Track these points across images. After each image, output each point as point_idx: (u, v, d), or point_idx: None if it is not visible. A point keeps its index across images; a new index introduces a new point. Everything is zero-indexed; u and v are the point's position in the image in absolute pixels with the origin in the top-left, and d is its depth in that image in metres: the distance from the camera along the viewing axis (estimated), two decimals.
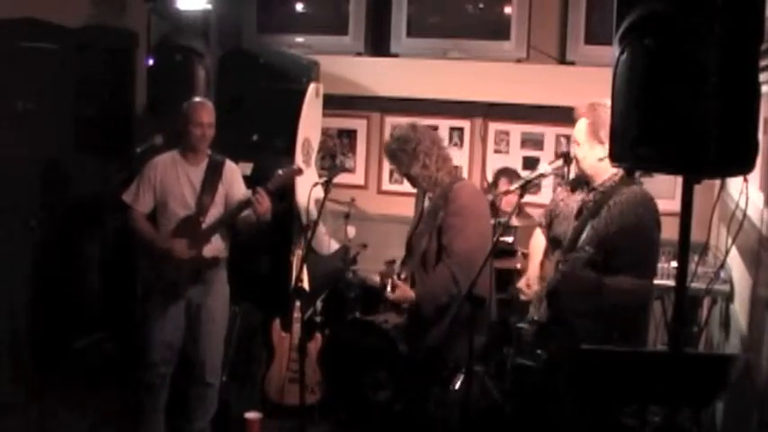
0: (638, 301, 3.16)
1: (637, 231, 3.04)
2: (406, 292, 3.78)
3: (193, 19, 4.94)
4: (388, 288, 3.82)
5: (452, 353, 3.69)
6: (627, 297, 3.08)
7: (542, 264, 3.46)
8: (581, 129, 3.18)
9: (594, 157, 3.15)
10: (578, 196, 3.31)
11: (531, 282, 3.41)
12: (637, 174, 3.11)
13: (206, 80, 4.84)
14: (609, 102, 2.87)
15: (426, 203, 3.89)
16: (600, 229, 3.07)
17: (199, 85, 4.78)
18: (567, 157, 3.37)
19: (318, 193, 3.97)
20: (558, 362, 3.24)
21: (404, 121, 5.17)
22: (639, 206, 3.07)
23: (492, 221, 4.02)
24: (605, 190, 3.15)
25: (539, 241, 3.58)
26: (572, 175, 3.85)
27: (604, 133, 3.03)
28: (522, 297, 3.44)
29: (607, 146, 3.02)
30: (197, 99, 4.05)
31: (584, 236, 3.11)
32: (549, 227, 3.47)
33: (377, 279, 4.93)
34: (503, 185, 4.79)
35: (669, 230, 2.72)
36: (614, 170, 3.11)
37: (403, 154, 3.77)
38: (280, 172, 3.87)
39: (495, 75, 5.27)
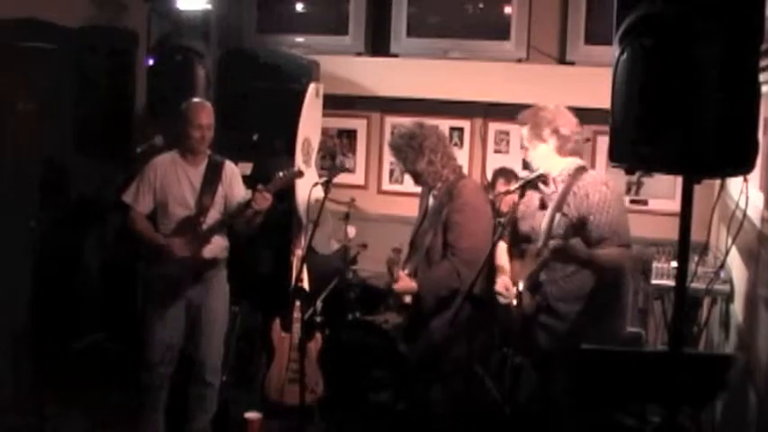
0: (623, 268, 3.36)
1: (607, 204, 3.23)
2: (409, 283, 3.80)
3: (193, 19, 4.94)
4: (394, 278, 3.84)
5: (452, 352, 3.69)
6: (614, 265, 3.29)
7: (512, 268, 3.56)
8: (525, 134, 3.44)
9: (540, 156, 3.38)
10: (535, 195, 3.48)
11: (507, 284, 3.47)
12: (637, 173, 3.17)
13: (206, 80, 4.83)
14: (550, 106, 3.36)
15: (431, 201, 3.91)
16: (572, 214, 3.26)
17: (199, 85, 4.78)
18: None
19: (318, 193, 3.97)
20: (550, 351, 3.28)
21: (404, 121, 5.17)
22: (601, 184, 3.28)
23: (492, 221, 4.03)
24: (564, 180, 3.34)
25: (503, 251, 3.68)
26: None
27: (546, 132, 3.35)
28: (502, 300, 3.47)
29: (551, 143, 3.33)
30: (196, 100, 4.04)
31: (555, 224, 3.28)
32: (512, 233, 3.61)
33: (377, 280, 4.94)
34: (500, 186, 4.79)
35: (669, 230, 2.72)
36: (566, 161, 3.35)
37: (409, 149, 3.81)
38: (280, 174, 3.87)
39: (495, 75, 5.27)
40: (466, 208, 3.70)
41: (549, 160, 3.36)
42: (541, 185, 3.43)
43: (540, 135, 3.35)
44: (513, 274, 3.50)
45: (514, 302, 3.43)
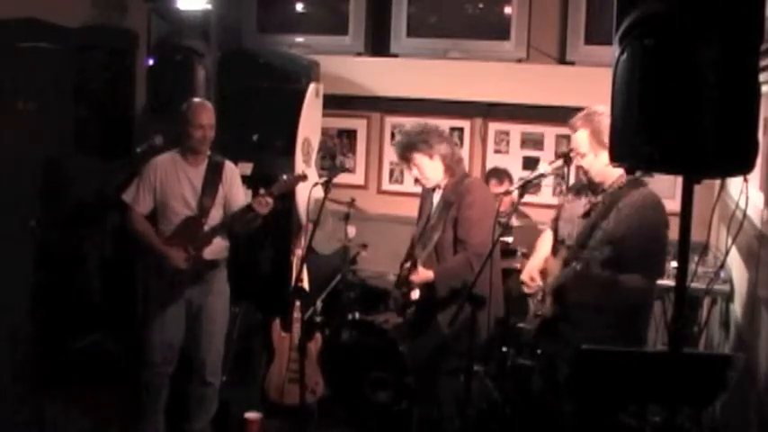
0: (646, 299, 3.26)
1: (646, 232, 3.11)
2: (426, 272, 3.81)
3: (193, 19, 4.94)
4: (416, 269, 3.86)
5: (453, 351, 3.70)
6: (637, 295, 3.18)
7: (546, 260, 3.49)
8: (583, 139, 3.25)
9: (602, 164, 3.19)
10: (583, 200, 3.38)
11: (533, 274, 3.43)
12: (638, 173, 3.14)
13: (206, 80, 4.83)
14: (603, 108, 3.06)
15: (435, 199, 3.94)
16: (609, 231, 3.15)
17: (199, 85, 4.78)
18: (567, 158, 3.38)
19: (318, 192, 3.97)
20: (559, 358, 3.26)
21: (404, 121, 5.17)
22: (648, 208, 3.15)
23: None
24: (613, 192, 3.23)
25: (547, 239, 3.62)
26: (572, 177, 3.89)
27: (606, 138, 3.11)
28: (526, 290, 3.45)
29: None
30: (197, 100, 4.03)
31: (594, 237, 3.19)
32: (555, 229, 3.54)
33: (377, 280, 4.94)
34: (493, 186, 4.78)
35: (669, 230, 2.72)
36: (620, 172, 3.18)
37: (430, 137, 3.82)
38: (284, 178, 3.87)
39: (495, 75, 5.27)
40: (476, 205, 3.76)
41: (606, 169, 3.19)
42: (589, 192, 3.34)
43: (601, 141, 3.13)
44: (547, 266, 3.45)
45: (539, 297, 3.40)
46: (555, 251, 3.47)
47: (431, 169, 3.87)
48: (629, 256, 3.10)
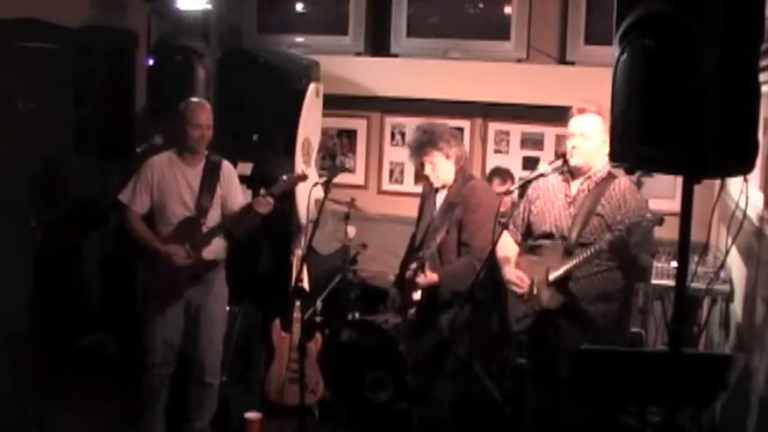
0: (648, 275, 3.52)
1: (643, 212, 3.20)
2: (432, 276, 3.83)
3: (193, 19, 4.94)
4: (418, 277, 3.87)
5: (453, 351, 3.71)
6: (646, 272, 3.40)
7: (517, 263, 3.48)
8: (594, 124, 3.30)
9: (603, 154, 3.24)
10: (559, 190, 3.40)
11: (521, 274, 3.42)
12: (637, 173, 3.16)
13: (206, 80, 4.83)
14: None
15: (438, 201, 3.93)
16: (608, 216, 3.25)
17: (199, 85, 4.78)
18: (566, 158, 3.38)
19: (318, 192, 3.97)
20: (558, 355, 3.26)
21: (404, 121, 5.18)
22: (635, 191, 3.31)
23: None
24: (598, 181, 3.32)
25: (508, 242, 3.59)
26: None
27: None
28: (517, 290, 3.42)
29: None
30: (194, 100, 4.02)
31: (589, 225, 3.26)
32: (528, 226, 3.51)
33: (377, 280, 4.95)
34: (496, 186, 4.78)
35: (669, 230, 2.72)
36: (605, 161, 3.28)
37: (450, 137, 3.84)
38: (284, 178, 3.86)
39: (495, 75, 5.27)
40: (480, 208, 3.77)
41: (602, 159, 3.28)
42: (571, 178, 3.37)
43: (608, 129, 3.25)
44: (522, 269, 3.44)
45: (526, 296, 3.40)
46: (529, 251, 3.45)
47: (445, 169, 3.89)
48: (629, 237, 3.13)
